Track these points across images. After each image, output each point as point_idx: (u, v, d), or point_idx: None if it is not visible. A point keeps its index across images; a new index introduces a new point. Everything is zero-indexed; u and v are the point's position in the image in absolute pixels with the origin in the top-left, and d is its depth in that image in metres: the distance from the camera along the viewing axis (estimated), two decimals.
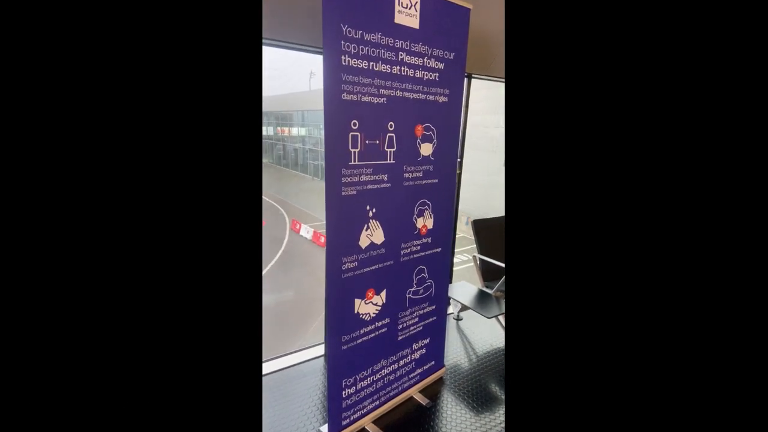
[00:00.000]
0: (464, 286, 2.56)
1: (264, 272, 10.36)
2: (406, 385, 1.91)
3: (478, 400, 1.94)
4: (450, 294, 2.42)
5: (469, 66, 2.48)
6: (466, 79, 2.59)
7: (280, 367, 2.09)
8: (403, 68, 1.50)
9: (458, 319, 2.78)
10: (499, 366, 2.26)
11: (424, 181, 1.71)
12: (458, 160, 2.77)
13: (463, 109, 2.67)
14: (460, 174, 2.84)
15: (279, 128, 26.64)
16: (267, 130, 27.02)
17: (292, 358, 2.17)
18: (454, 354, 2.35)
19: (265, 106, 25.91)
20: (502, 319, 2.46)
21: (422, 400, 1.91)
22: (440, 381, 2.08)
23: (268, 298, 8.58)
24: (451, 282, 2.91)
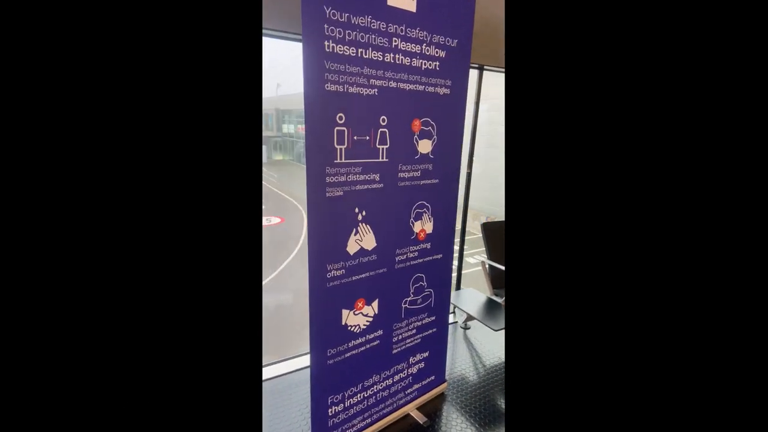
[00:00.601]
0: (471, 293, 2.40)
1: (280, 269, 10.40)
2: (402, 401, 1.76)
3: (482, 418, 1.78)
4: (455, 302, 2.26)
5: (481, 57, 2.31)
6: (477, 71, 2.42)
7: (268, 377, 1.98)
8: (397, 56, 1.35)
9: (466, 327, 2.61)
10: None
11: (422, 182, 1.56)
12: (471, 157, 2.60)
13: (474, 103, 2.50)
14: (470, 173, 2.67)
15: (299, 126, 26.86)
16: (288, 128, 27.26)
17: (282, 366, 2.06)
18: (461, 366, 2.19)
19: (285, 104, 26.15)
20: None
21: (419, 418, 1.77)
22: (441, 397, 1.92)
23: (282, 297, 8.59)
24: (459, 288, 2.75)
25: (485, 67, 2.39)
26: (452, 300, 2.26)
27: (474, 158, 2.60)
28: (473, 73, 2.43)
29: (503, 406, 1.88)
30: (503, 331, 2.43)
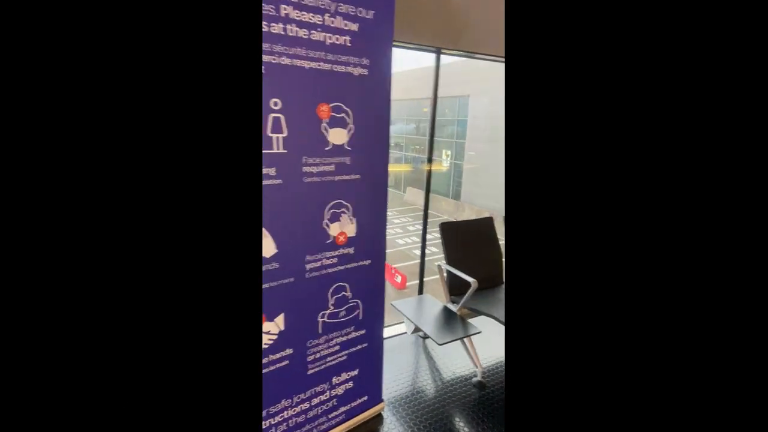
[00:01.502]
0: (425, 300, 2.18)
1: None
2: (324, 426, 1.56)
3: None
4: (401, 310, 2.04)
5: (436, 39, 2.08)
6: (434, 55, 2.18)
7: None
8: (289, 27, 1.13)
9: (425, 337, 2.40)
10: (466, 398, 1.87)
11: (336, 178, 1.35)
12: (430, 148, 2.37)
13: (432, 90, 2.27)
14: (429, 169, 2.44)
15: None
16: None
17: None
18: (421, 382, 1.98)
19: None
20: (468, 341, 2.05)
21: None
22: (377, 419, 1.72)
23: None
24: (421, 293, 2.54)
25: (443, 50, 2.16)
26: (399, 307, 2.05)
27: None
28: (430, 57, 2.20)
29: (458, 426, 1.67)
30: (460, 342, 2.21)
